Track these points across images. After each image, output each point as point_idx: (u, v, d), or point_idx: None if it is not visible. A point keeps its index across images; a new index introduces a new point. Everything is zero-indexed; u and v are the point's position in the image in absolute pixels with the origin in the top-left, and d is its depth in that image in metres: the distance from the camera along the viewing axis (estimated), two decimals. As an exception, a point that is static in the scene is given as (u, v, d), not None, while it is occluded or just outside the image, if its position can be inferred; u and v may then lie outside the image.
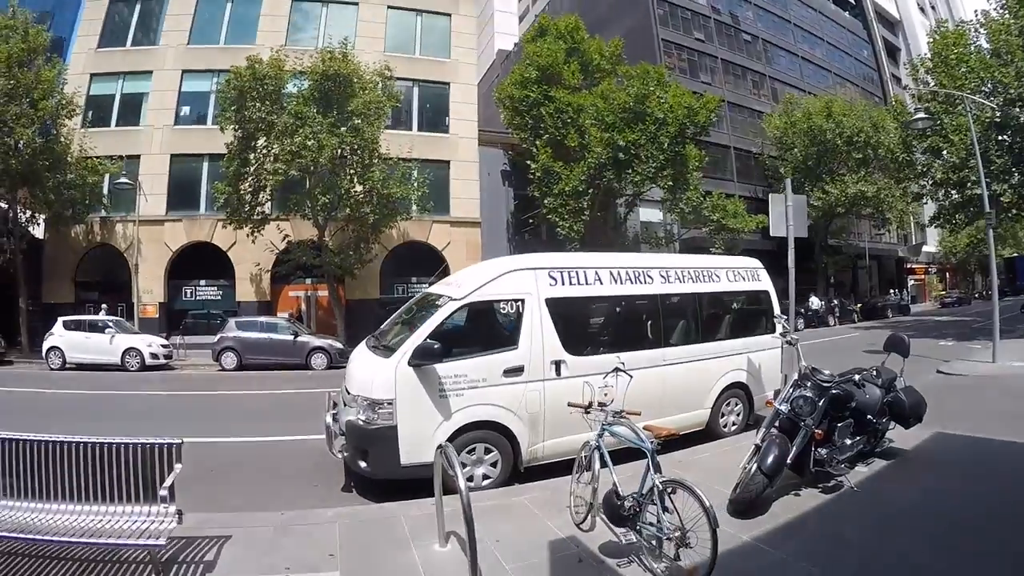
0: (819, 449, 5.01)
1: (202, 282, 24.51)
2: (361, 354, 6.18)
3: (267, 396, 11.51)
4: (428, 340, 5.27)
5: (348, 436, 5.48)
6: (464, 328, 6.24)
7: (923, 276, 57.00)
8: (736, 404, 7.33)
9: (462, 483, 3.37)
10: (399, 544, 4.13)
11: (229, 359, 16.81)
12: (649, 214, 28.57)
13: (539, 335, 5.71)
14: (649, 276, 6.68)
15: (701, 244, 25.58)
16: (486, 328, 6.31)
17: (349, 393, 5.73)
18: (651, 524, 3.58)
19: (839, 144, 31.48)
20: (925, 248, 53.91)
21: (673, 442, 6.46)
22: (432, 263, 22.38)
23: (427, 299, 6.48)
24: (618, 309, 6.80)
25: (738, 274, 7.72)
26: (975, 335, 18.36)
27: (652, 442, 3.75)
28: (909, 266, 53.43)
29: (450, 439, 5.25)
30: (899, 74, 49.28)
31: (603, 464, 4.09)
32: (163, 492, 3.69)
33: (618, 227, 24.94)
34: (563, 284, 6.02)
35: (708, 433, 7.02)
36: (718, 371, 7.07)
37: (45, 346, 17.07)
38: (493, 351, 5.65)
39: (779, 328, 7.26)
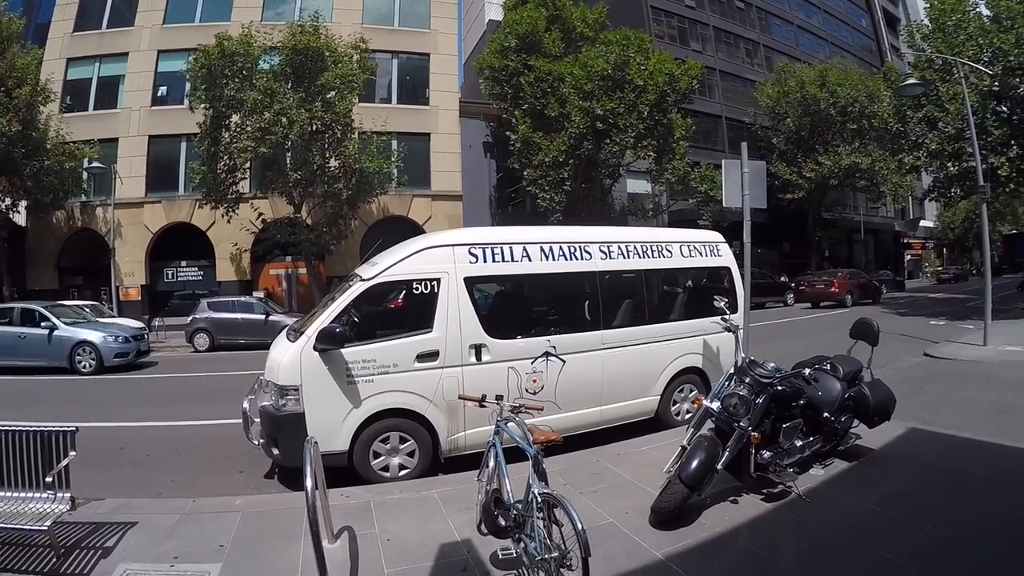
0: (762, 452, 4.44)
1: (183, 263, 24.31)
2: (280, 338, 5.95)
3: (225, 377, 11.22)
4: (331, 324, 5.05)
5: (261, 422, 5.34)
6: (376, 311, 5.96)
7: (920, 251, 56.41)
8: (691, 391, 6.82)
9: (309, 483, 3.23)
10: (291, 537, 3.99)
11: (201, 340, 16.63)
12: (637, 185, 28.04)
13: (456, 317, 5.37)
14: (587, 251, 6.17)
15: (690, 216, 25.10)
16: (399, 310, 5.97)
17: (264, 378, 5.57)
18: (531, 538, 3.16)
19: (833, 114, 30.81)
20: (923, 223, 53.16)
21: (617, 430, 6.30)
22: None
23: (346, 280, 6.18)
24: (549, 288, 6.33)
25: (694, 249, 7.10)
26: (969, 314, 17.74)
27: (534, 447, 3.35)
28: (906, 241, 52.82)
29: (362, 427, 5.14)
30: (899, 45, 48.06)
31: (497, 464, 3.69)
32: (48, 479, 3.73)
33: (603, 198, 24.49)
34: (485, 261, 5.61)
35: (658, 423, 6.57)
36: (668, 355, 6.56)
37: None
38: (404, 335, 5.37)
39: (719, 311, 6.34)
